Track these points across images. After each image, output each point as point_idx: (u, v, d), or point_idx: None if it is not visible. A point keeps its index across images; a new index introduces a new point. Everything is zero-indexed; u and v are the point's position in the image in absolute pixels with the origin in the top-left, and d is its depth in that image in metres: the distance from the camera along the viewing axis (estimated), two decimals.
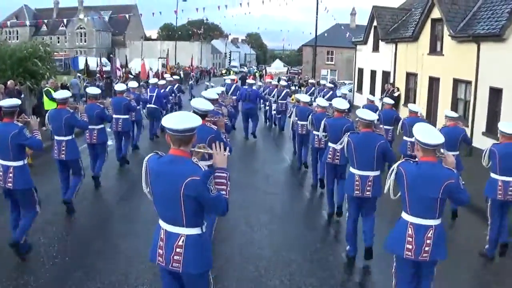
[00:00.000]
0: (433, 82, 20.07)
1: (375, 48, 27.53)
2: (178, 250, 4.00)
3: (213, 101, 7.57)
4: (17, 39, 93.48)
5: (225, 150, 4.21)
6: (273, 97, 20.21)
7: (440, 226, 4.84)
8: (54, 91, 14.44)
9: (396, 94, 22.45)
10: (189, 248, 4.00)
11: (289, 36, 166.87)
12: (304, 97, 13.14)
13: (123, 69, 42.63)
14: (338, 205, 9.23)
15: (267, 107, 21.91)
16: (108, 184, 10.92)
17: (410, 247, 4.80)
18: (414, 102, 21.67)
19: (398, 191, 4.96)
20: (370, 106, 13.93)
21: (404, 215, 4.92)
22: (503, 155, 7.10)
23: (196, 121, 4.02)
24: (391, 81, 24.08)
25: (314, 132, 10.78)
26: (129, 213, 9.11)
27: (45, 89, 15.98)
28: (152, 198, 4.12)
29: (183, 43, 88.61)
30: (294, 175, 13.14)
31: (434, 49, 20.21)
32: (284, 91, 19.89)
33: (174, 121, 3.91)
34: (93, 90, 10.66)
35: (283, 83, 23.40)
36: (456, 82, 18.07)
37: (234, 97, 16.96)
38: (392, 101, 13.28)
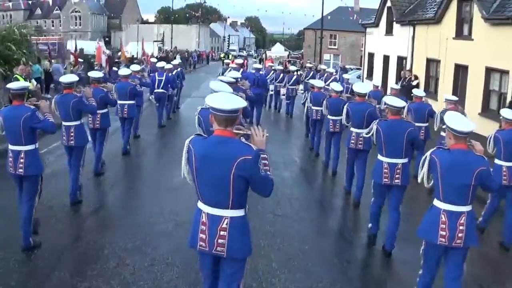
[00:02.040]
0: (460, 71, 17.79)
1: (389, 31, 25.23)
2: (222, 233, 3.95)
3: (231, 84, 7.32)
4: (11, 23, 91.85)
5: None
6: (278, 82, 19.85)
7: (471, 212, 4.95)
8: (24, 79, 13.73)
9: (414, 83, 20.06)
10: (234, 230, 3.96)
11: (290, 20, 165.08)
12: (318, 83, 13.10)
13: (118, 53, 41.02)
14: (355, 199, 9.10)
15: (271, 92, 20.90)
16: (108, 173, 10.54)
17: (443, 233, 4.89)
18: (436, 92, 19.60)
19: (431, 179, 5.07)
20: (376, 93, 13.75)
21: (437, 202, 5.00)
22: (507, 141, 7.25)
23: (242, 102, 4.05)
24: (408, 67, 21.76)
25: (329, 117, 10.90)
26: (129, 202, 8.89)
27: (14, 76, 14.25)
28: (192, 182, 4.07)
29: (181, 26, 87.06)
30: (311, 161, 13.00)
31: (461, 32, 17.91)
32: (294, 77, 19.77)
33: (221, 101, 3.91)
34: (95, 74, 10.32)
35: (292, 67, 23.03)
36: (489, 71, 15.78)
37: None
38: (423, 93, 11.55)
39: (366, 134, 7.50)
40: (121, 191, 9.70)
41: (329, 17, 54.81)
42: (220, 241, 3.95)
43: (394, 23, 23.95)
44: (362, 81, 28.62)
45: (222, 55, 70.10)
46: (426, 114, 10.78)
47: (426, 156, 5.03)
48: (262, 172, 3.87)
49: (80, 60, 25.06)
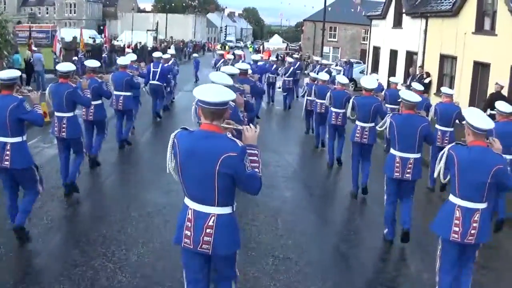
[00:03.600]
0: (480, 69, 16.05)
1: (397, 24, 23.49)
2: (208, 230, 3.84)
3: (233, 76, 6.89)
4: (4, 10, 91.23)
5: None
6: (273, 74, 20.15)
7: (486, 209, 4.92)
8: None
9: (426, 81, 18.43)
10: (220, 228, 3.85)
11: (288, 11, 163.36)
12: (323, 76, 12.97)
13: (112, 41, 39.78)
14: (363, 186, 9.12)
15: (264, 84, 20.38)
16: (106, 166, 10.26)
17: (457, 229, 4.86)
18: None
19: (447, 174, 5.01)
20: (393, 91, 12.97)
21: (452, 198, 4.98)
22: (501, 134, 6.85)
23: (231, 94, 3.91)
24: (419, 63, 20.07)
25: (332, 109, 10.88)
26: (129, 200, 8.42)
27: None
28: (177, 177, 3.94)
29: (177, 16, 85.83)
30: (312, 155, 13.15)
31: (481, 26, 16.15)
32: (291, 68, 19.68)
33: (208, 93, 3.79)
34: (92, 63, 9.97)
35: (290, 59, 22.53)
36: None
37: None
38: (451, 90, 10.38)
39: (380, 127, 7.48)
40: (115, 184, 9.49)
41: (329, 8, 53.13)
42: (206, 238, 3.84)
43: (404, 15, 22.20)
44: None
45: (218, 46, 68.47)
46: (453, 117, 9.63)
47: (444, 152, 5.04)
48: (248, 169, 3.73)
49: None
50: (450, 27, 17.85)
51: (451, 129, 9.61)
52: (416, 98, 6.96)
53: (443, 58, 18.72)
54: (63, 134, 8.04)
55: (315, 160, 12.56)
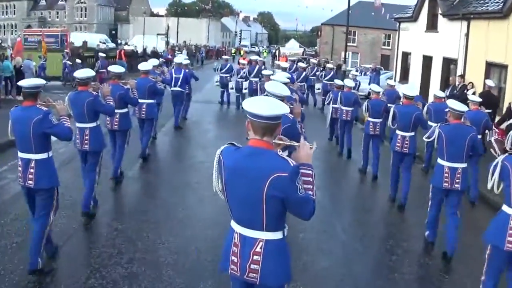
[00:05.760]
0: None
1: (431, 27, 21.22)
2: (255, 257, 3.53)
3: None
4: (14, 14, 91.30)
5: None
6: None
7: None
8: None
9: (470, 92, 15.99)
10: (269, 256, 3.52)
11: (304, 15, 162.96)
12: (349, 82, 13.12)
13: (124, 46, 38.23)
14: (404, 196, 8.89)
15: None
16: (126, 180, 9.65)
17: (511, 239, 4.82)
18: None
19: (500, 185, 5.07)
20: (390, 92, 13.44)
21: (506, 208, 4.95)
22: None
23: (284, 108, 3.57)
24: (460, 72, 17.69)
25: (369, 119, 10.75)
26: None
27: None
28: (224, 198, 3.65)
29: (191, 20, 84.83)
30: (339, 163, 12.77)
31: None
32: (303, 74, 19.84)
33: (260, 106, 3.44)
34: (116, 69, 9.54)
35: (302, 64, 22.55)
36: None
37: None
38: (479, 99, 10.03)
39: (427, 138, 7.37)
40: (140, 198, 8.95)
41: (349, 11, 51.13)
42: (252, 266, 3.52)
43: (440, 16, 19.93)
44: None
45: (233, 51, 66.61)
46: (481, 125, 9.39)
47: (497, 163, 5.05)
48: (300, 192, 3.36)
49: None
50: (498, 30, 15.50)
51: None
52: (463, 107, 6.90)
53: (489, 66, 16.31)
54: (86, 146, 7.53)
55: (340, 169, 12.27)
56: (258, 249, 3.50)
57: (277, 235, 3.54)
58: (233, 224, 3.64)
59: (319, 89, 20.90)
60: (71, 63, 23.96)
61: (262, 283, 3.55)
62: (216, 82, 20.31)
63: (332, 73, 20.69)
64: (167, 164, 11.60)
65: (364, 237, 7.62)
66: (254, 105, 3.43)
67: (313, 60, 25.24)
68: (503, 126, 11.38)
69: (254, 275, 3.53)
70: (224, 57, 23.10)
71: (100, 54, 24.97)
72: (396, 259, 6.90)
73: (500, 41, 15.27)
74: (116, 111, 8.71)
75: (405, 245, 7.35)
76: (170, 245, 6.69)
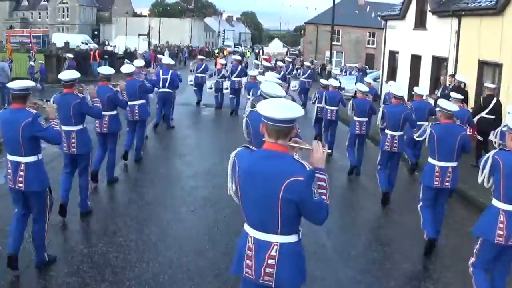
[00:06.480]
0: None
1: (420, 25, 20.61)
2: (270, 261, 3.52)
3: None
4: None
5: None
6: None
7: None
8: None
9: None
10: (284, 259, 3.52)
11: (287, 14, 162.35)
12: (333, 82, 13.48)
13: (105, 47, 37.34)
14: (386, 190, 9.10)
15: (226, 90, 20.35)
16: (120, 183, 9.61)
17: (501, 233, 4.95)
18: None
19: (491, 180, 5.11)
20: (419, 104, 12.03)
21: (496, 202, 5.07)
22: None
23: (300, 110, 3.51)
24: (451, 71, 17.07)
25: (355, 118, 10.85)
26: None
27: None
28: (239, 201, 3.64)
29: (174, 20, 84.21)
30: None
31: None
32: (281, 73, 19.44)
33: (274, 108, 3.43)
34: (105, 70, 9.47)
35: (279, 63, 22.54)
36: None
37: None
38: (460, 96, 10.52)
39: (418, 137, 7.44)
40: (135, 200, 8.68)
41: (334, 10, 50.62)
42: (268, 270, 3.52)
43: (429, 14, 19.29)
44: (381, 85, 24.14)
45: (216, 51, 65.64)
46: (464, 121, 9.94)
47: (488, 157, 5.10)
48: (315, 197, 3.38)
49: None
50: (491, 27, 14.84)
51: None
52: (454, 107, 7.05)
53: (482, 65, 15.69)
54: (73, 150, 7.47)
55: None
56: (273, 253, 3.51)
57: (292, 238, 3.54)
58: (247, 227, 3.63)
59: (295, 86, 20.76)
60: (33, 65, 24.12)
61: (278, 286, 3.54)
62: (190, 82, 19.43)
63: (309, 71, 21.54)
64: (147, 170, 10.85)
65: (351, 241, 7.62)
66: (268, 108, 3.42)
67: (287, 59, 26.37)
68: (475, 119, 11.53)
69: (270, 278, 3.53)
70: (199, 56, 22.19)
71: (68, 55, 24.77)
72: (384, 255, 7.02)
73: (494, 39, 14.63)
74: (105, 113, 8.67)
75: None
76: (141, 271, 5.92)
